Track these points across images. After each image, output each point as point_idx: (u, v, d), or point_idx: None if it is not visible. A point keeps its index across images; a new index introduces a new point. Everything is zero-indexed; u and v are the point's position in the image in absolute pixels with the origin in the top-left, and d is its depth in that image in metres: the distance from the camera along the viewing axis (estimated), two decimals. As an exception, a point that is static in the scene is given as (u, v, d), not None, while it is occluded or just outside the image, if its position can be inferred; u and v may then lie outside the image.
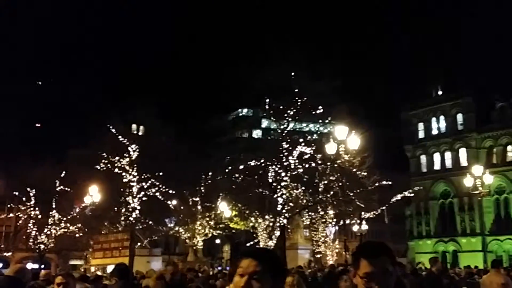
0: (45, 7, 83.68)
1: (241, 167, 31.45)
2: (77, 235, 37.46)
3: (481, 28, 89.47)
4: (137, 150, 32.63)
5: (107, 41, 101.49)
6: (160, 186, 33.44)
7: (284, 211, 28.88)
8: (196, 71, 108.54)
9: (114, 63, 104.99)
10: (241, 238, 43.78)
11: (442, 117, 58.29)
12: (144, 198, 33.10)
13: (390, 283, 2.44)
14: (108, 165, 31.91)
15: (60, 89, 72.02)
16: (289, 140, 29.40)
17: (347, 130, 21.27)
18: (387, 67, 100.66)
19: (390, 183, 33.69)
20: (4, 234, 49.02)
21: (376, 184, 31.99)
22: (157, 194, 33.56)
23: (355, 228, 37.26)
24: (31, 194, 38.46)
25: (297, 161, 28.79)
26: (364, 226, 34.03)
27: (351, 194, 28.72)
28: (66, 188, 36.49)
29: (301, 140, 29.42)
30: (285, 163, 28.78)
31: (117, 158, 32.20)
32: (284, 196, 28.91)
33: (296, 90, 29.10)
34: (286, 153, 28.84)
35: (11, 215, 43.20)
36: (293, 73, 29.82)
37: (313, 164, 28.92)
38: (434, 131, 58.98)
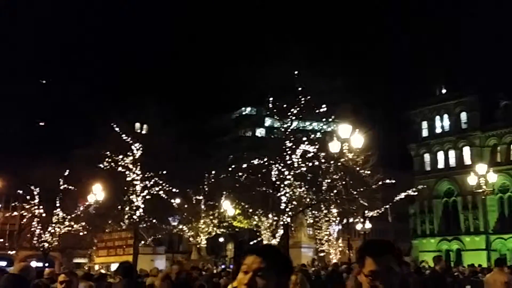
0: (45, 7, 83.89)
1: (245, 165, 31.45)
2: (81, 234, 37.51)
3: (481, 28, 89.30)
4: (141, 148, 32.69)
5: (107, 41, 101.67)
6: (164, 184, 33.47)
7: (287, 209, 28.87)
8: (196, 71, 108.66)
9: (114, 63, 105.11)
10: (244, 236, 43.78)
11: (446, 116, 58.19)
12: (147, 197, 33.14)
13: (395, 282, 2.40)
14: (112, 163, 31.97)
15: (61, 88, 72.22)
16: (292, 139, 29.38)
17: (350, 128, 21.25)
18: (387, 67, 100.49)
19: (393, 181, 33.68)
20: (9, 232, 49.23)
21: (380, 183, 31.96)
22: (161, 192, 33.59)
23: (359, 226, 37.25)
24: (35, 193, 38.56)
25: (300, 159, 28.77)
26: (368, 225, 33.99)
27: (355, 192, 28.68)
28: (70, 187, 36.57)
29: (304, 138, 29.39)
30: (289, 162, 28.77)
31: (120, 156, 32.25)
32: (287, 195, 28.91)
33: (300, 89, 29.09)
34: (289, 152, 28.83)
35: (15, 213, 43.34)
36: (296, 72, 29.80)
37: (317, 163, 28.90)
38: (438, 130, 58.89)
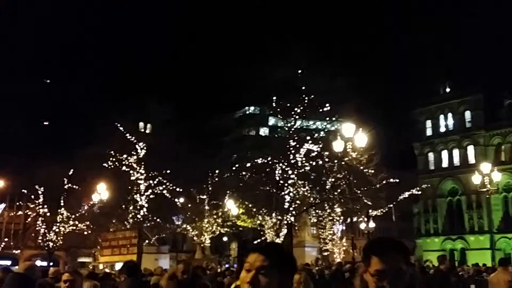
0: (45, 7, 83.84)
1: (248, 165, 31.48)
2: (85, 233, 37.65)
3: (482, 28, 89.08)
4: (145, 148, 32.78)
5: (107, 41, 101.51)
6: (168, 184, 33.56)
7: (291, 208, 28.90)
8: (196, 71, 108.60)
9: (114, 63, 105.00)
10: (248, 235, 43.78)
11: (450, 115, 58.09)
12: (151, 196, 33.23)
13: (403, 282, 2.31)
14: (116, 163, 32.07)
15: (63, 88, 72.37)
16: (296, 138, 29.41)
17: (354, 127, 21.22)
18: (387, 67, 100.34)
19: (397, 180, 33.61)
20: (13, 231, 49.39)
21: (384, 182, 31.92)
22: (165, 192, 33.68)
23: (363, 225, 37.24)
24: (40, 192, 38.70)
25: (304, 158, 28.79)
26: (372, 224, 33.95)
27: (359, 191, 28.66)
28: (75, 186, 36.69)
29: (308, 137, 29.42)
30: (292, 161, 28.79)
31: (124, 156, 32.35)
32: (291, 194, 28.93)
33: (303, 88, 29.12)
34: (293, 151, 28.86)
35: (20, 212, 43.49)
36: (299, 71, 29.84)
37: (320, 162, 28.91)
38: (442, 129, 58.79)
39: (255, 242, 36.27)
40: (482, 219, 53.90)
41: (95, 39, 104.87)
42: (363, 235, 44.52)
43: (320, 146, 28.54)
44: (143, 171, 32.93)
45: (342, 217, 38.69)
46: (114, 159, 32.01)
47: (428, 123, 59.59)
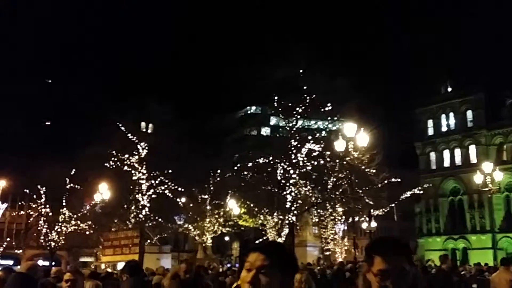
0: (45, 7, 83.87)
1: (250, 164, 31.50)
2: (87, 233, 37.66)
3: (482, 28, 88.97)
4: (146, 147, 32.81)
5: (107, 41, 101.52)
6: (169, 183, 33.58)
7: (293, 208, 28.90)
8: (197, 71, 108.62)
9: (114, 63, 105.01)
10: (250, 235, 43.79)
11: (451, 114, 58.06)
12: (153, 196, 33.26)
13: (406, 282, 2.29)
14: (118, 163, 32.11)
15: (63, 88, 72.39)
16: (297, 138, 29.41)
17: (356, 127, 21.22)
18: (387, 67, 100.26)
19: (399, 180, 33.59)
20: (15, 231, 49.46)
21: (385, 181, 31.89)
22: (166, 191, 33.70)
23: (364, 225, 37.25)
24: (42, 192, 38.75)
25: (305, 158, 28.78)
26: (373, 224, 33.96)
27: (360, 191, 28.64)
28: (76, 186, 36.73)
29: (309, 137, 29.42)
30: (294, 161, 28.79)
31: (126, 155, 32.39)
32: (292, 194, 28.94)
33: (305, 88, 29.13)
34: (294, 151, 28.86)
35: (22, 212, 43.53)
36: (301, 71, 29.86)
37: (322, 162, 28.91)
38: (444, 128, 58.77)
39: (257, 242, 36.37)
40: (484, 218, 53.87)
41: (95, 39, 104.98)
42: (364, 235, 44.53)
43: (322, 145, 28.54)
44: (145, 171, 32.97)
45: (343, 217, 38.70)
46: (115, 159, 32.05)
47: (430, 123, 59.57)
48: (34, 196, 39.23)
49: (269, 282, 2.08)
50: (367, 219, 34.03)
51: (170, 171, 33.28)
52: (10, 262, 39.10)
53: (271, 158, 29.62)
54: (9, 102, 53.22)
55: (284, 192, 28.98)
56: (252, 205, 33.42)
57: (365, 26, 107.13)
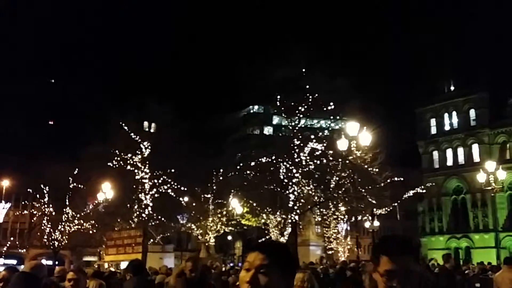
0: (45, 7, 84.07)
1: (253, 164, 31.54)
2: (90, 232, 37.77)
3: (482, 28, 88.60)
4: (149, 147, 32.88)
5: (107, 41, 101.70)
6: (172, 183, 33.64)
7: (295, 207, 28.93)
8: (197, 71, 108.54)
9: (114, 63, 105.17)
10: (253, 234, 43.88)
11: (454, 113, 57.94)
12: (156, 195, 33.33)
13: (413, 282, 2.27)
14: (121, 162, 32.19)
15: (64, 88, 72.49)
16: (300, 137, 29.44)
17: (358, 126, 21.21)
18: (387, 67, 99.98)
19: (402, 179, 33.59)
20: (19, 231, 49.60)
21: (388, 180, 31.90)
22: (169, 191, 33.77)
23: (367, 224, 37.22)
24: (45, 191, 38.86)
25: (308, 157, 28.81)
26: (376, 223, 33.93)
27: (363, 190, 28.66)
28: (80, 185, 36.83)
29: (312, 136, 29.44)
30: (297, 160, 28.81)
31: (129, 155, 32.46)
32: (295, 193, 28.96)
33: (307, 87, 29.14)
34: (297, 150, 28.88)
35: (25, 212, 43.70)
36: (303, 70, 29.88)
37: (325, 161, 28.94)
38: (447, 127, 58.64)
39: (260, 241, 36.37)
40: (487, 217, 53.75)
41: (95, 39, 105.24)
42: (367, 234, 44.53)
43: (324, 144, 28.55)
44: (147, 170, 33.05)
45: (346, 216, 38.66)
46: (118, 158, 32.13)
47: (433, 122, 59.47)
48: (38, 196, 39.37)
49: (269, 282, 2.02)
50: (370, 218, 33.96)
51: (173, 170, 33.34)
52: (14, 262, 39.20)
53: (273, 157, 29.65)
54: (9, 102, 53.24)
55: (287, 191, 29.01)
56: (255, 204, 33.45)
57: (365, 26, 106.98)
